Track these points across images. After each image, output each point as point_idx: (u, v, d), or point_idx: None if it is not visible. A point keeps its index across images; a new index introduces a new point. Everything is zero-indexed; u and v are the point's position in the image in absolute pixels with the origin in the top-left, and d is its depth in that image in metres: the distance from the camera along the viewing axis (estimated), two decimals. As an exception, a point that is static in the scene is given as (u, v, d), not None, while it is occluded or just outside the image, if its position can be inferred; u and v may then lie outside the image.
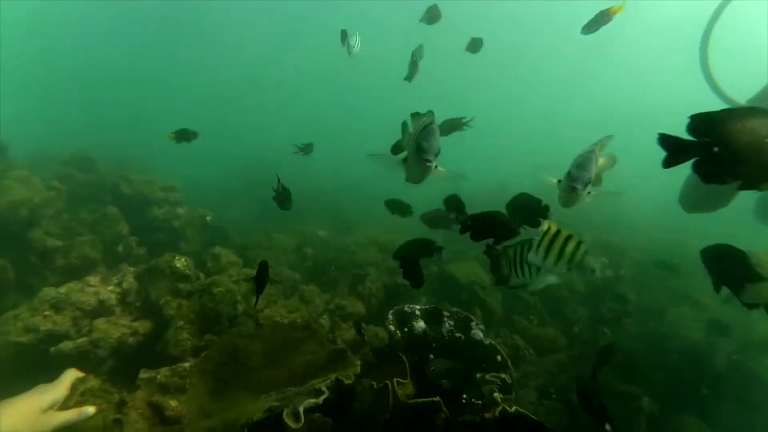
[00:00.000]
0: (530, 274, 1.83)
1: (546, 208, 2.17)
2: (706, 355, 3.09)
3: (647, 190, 9.67)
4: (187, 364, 2.47)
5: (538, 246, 1.66)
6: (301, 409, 1.80)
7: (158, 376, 2.38)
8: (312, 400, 1.87)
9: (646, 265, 5.32)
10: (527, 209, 2.21)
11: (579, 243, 1.64)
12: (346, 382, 2.05)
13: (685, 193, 3.24)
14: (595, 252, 5.36)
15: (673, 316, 4.39)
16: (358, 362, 2.31)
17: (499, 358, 2.42)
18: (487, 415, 2.01)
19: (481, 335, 2.47)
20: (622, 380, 3.10)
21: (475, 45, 4.36)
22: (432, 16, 3.99)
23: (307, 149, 3.56)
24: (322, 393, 1.91)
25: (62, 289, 2.91)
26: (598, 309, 4.30)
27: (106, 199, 4.40)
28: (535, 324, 4.11)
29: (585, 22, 3.43)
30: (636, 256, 5.84)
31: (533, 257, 1.69)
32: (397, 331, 2.64)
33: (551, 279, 1.85)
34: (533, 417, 1.95)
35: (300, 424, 1.78)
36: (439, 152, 1.53)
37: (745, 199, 3.32)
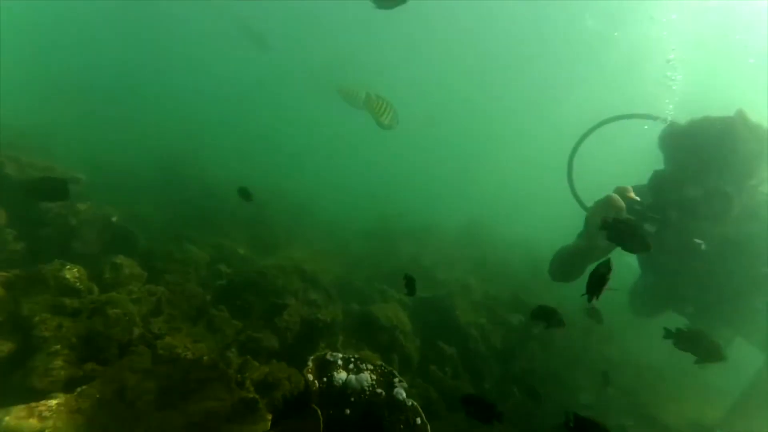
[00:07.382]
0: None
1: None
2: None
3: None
4: (54, 401, 2.03)
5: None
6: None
7: (7, 418, 1.91)
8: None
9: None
10: None
11: None
12: (254, 443, 1.81)
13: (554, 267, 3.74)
14: (515, 309, 5.59)
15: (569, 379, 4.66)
16: (269, 416, 2.06)
17: (419, 420, 2.31)
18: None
19: (404, 395, 2.35)
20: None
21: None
22: None
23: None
24: (225, 458, 1.65)
25: None
26: (509, 366, 4.41)
27: (-16, 180, 3.68)
28: (449, 376, 4.10)
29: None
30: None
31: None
32: (315, 381, 2.44)
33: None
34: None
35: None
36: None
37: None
